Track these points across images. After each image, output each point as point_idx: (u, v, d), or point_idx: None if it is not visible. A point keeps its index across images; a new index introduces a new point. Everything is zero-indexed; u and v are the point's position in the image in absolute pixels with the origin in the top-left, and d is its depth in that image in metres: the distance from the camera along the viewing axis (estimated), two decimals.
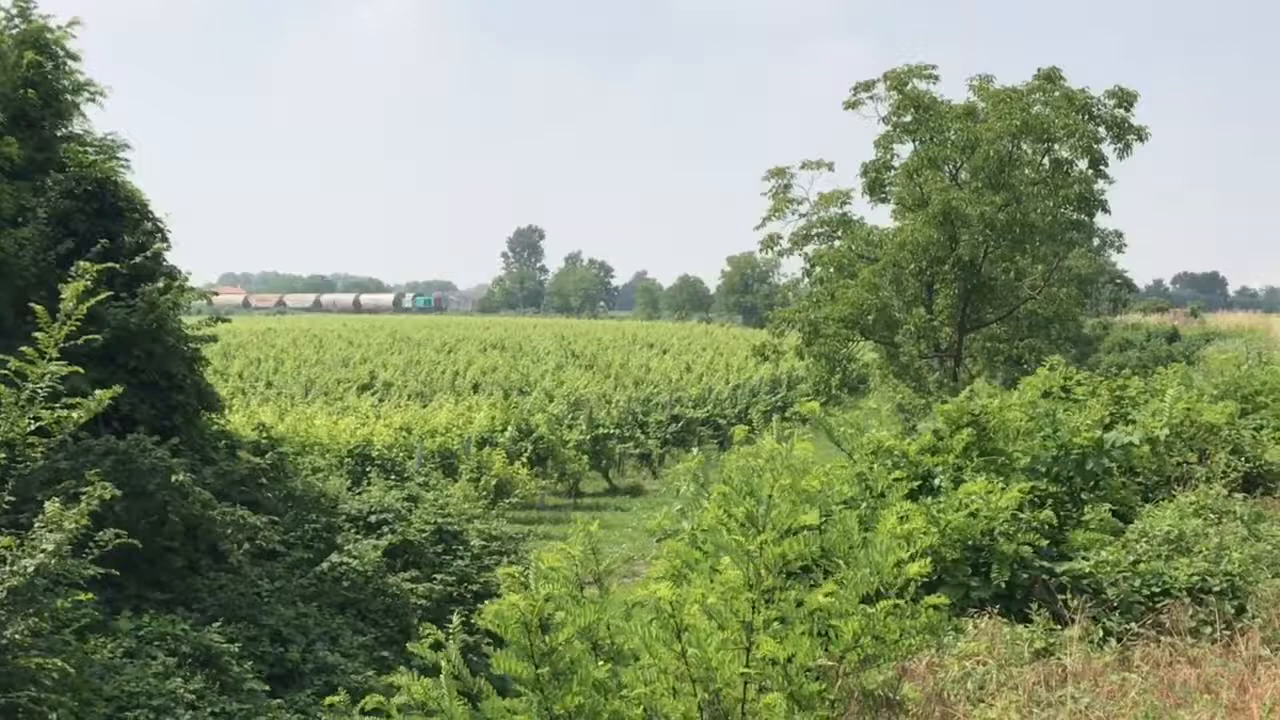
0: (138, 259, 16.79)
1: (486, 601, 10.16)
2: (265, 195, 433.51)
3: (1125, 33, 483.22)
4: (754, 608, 6.34)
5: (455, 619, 7.61)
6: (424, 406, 42.43)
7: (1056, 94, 37.69)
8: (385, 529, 18.08)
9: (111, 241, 16.35)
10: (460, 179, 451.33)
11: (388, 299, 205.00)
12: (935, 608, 7.58)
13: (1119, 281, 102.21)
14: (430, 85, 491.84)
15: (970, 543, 11.18)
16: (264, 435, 18.87)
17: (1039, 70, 38.47)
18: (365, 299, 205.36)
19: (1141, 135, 38.01)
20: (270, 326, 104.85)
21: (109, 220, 17.06)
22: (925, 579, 7.70)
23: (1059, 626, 10.01)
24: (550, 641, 6.55)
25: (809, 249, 41.10)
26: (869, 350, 46.69)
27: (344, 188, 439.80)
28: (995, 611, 10.38)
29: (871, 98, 39.46)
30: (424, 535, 18.28)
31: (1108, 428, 14.29)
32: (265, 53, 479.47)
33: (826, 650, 6.84)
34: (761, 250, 42.65)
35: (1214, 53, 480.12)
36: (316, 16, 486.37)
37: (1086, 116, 37.44)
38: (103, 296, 14.11)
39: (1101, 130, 37.82)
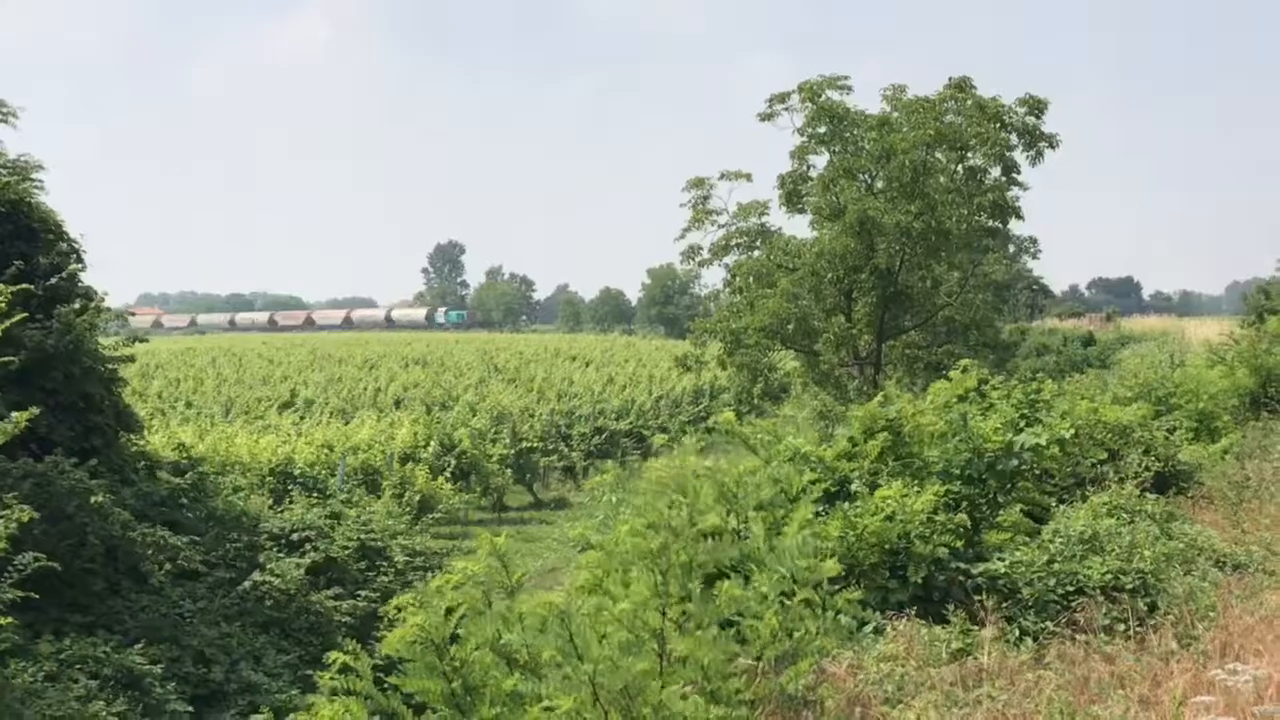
0: (53, 281, 16.65)
1: (382, 631, 10.05)
2: (181, 215, 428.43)
3: (1044, 39, 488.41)
4: (663, 612, 6.41)
5: (352, 645, 7.55)
6: (346, 423, 42.12)
7: (969, 103, 38.11)
8: (308, 547, 17.97)
9: (26, 263, 16.20)
10: (378, 194, 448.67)
11: (380, 314, 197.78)
12: (850, 602, 7.70)
13: (1035, 287, 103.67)
14: (347, 101, 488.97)
15: (887, 546, 11.33)
16: (184, 455, 18.74)
17: (950, 79, 38.91)
18: (356, 315, 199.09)
19: (1052, 142, 38.56)
20: (190, 346, 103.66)
21: (23, 242, 16.90)
22: (843, 583, 7.83)
23: (976, 627, 10.18)
24: (459, 654, 6.58)
25: (728, 260, 41.24)
26: (790, 359, 46.90)
27: (259, 206, 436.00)
28: (913, 614, 10.54)
29: (786, 109, 39.67)
30: (347, 552, 18.21)
31: (1020, 431, 14.52)
32: (180, 71, 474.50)
33: (744, 651, 6.94)
34: (682, 261, 42.69)
35: (1127, 57, 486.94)
36: (232, 34, 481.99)
37: (998, 125, 37.91)
38: (18, 319, 14.03)
39: (1013, 138, 38.32)
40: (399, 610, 7.61)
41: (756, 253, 40.80)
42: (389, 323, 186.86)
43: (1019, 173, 38.84)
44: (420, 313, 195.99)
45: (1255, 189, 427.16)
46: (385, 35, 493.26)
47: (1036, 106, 38.32)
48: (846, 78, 39.09)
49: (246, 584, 16.16)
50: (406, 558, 19.14)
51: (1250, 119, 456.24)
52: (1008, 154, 38.35)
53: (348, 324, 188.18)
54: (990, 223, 39.84)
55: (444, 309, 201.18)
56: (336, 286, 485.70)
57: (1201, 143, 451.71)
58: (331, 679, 7.03)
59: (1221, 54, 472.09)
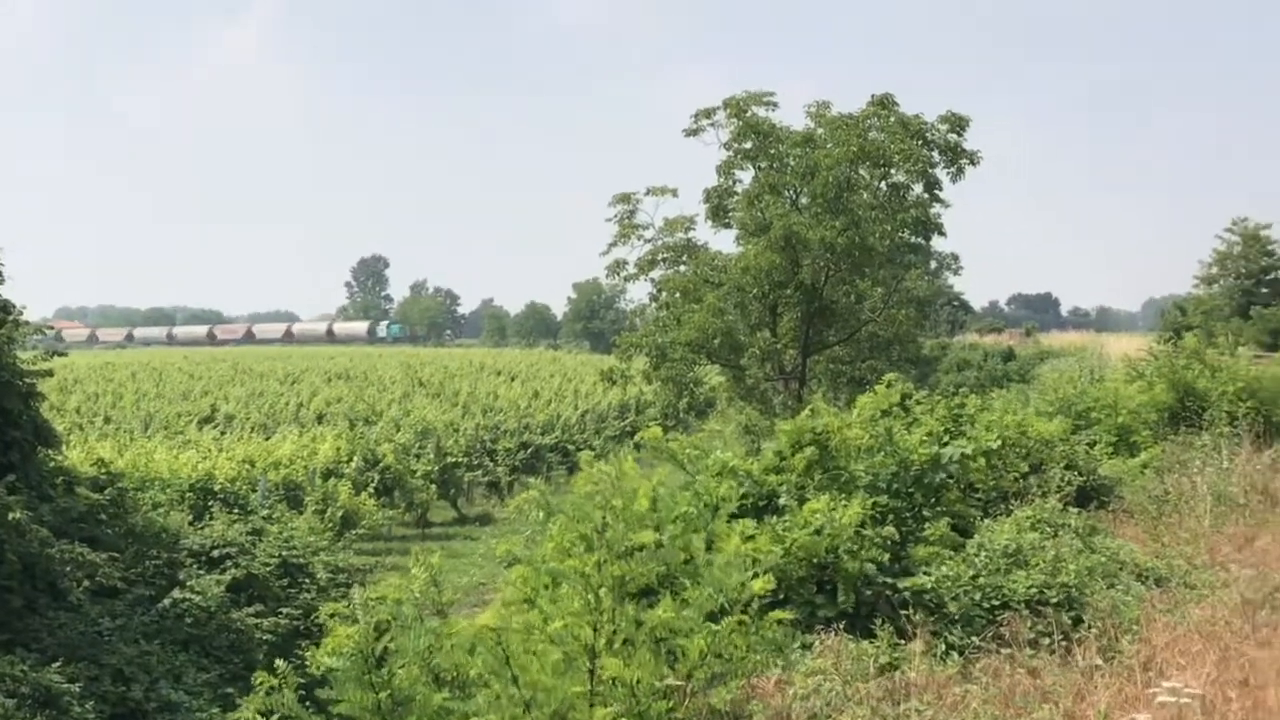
0: None
1: (306, 648, 9.87)
2: (98, 227, 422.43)
3: (962, 56, 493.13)
4: (595, 629, 6.37)
5: (281, 664, 7.39)
6: (267, 439, 41.83)
7: (891, 119, 38.40)
8: (228, 563, 17.76)
9: None
10: (300, 207, 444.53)
11: (321, 328, 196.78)
12: (779, 622, 7.68)
13: (956, 303, 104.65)
14: (264, 112, 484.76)
15: (815, 560, 11.31)
16: (103, 471, 18.48)
17: (873, 96, 39.17)
18: (297, 329, 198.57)
19: (974, 159, 38.91)
20: (108, 360, 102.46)
21: None
22: (771, 598, 7.80)
23: (903, 641, 10.19)
24: (389, 667, 6.51)
25: (655, 274, 41.36)
26: (716, 374, 47.06)
27: (179, 219, 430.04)
28: (841, 629, 10.54)
29: (712, 124, 39.86)
30: (268, 569, 18.02)
31: (945, 444, 14.59)
32: (90, 81, 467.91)
33: (673, 669, 6.89)
34: (608, 276, 42.80)
35: (1046, 76, 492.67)
36: (154, 46, 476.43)
37: (921, 142, 38.21)
38: None
39: (935, 155, 38.64)
40: (331, 617, 7.52)
41: (683, 268, 40.93)
42: (330, 336, 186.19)
43: (941, 189, 39.20)
44: (362, 326, 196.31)
45: (1171, 207, 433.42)
46: (312, 52, 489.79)
47: (958, 124, 38.68)
48: (772, 94, 39.38)
49: (166, 601, 15.94)
50: (329, 574, 18.97)
51: (1168, 137, 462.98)
52: (930, 170, 38.67)
53: (289, 338, 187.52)
54: (913, 239, 40.15)
55: (385, 323, 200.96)
56: (257, 300, 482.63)
57: (1118, 160, 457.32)
58: (260, 700, 6.93)
59: (1139, 71, 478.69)
